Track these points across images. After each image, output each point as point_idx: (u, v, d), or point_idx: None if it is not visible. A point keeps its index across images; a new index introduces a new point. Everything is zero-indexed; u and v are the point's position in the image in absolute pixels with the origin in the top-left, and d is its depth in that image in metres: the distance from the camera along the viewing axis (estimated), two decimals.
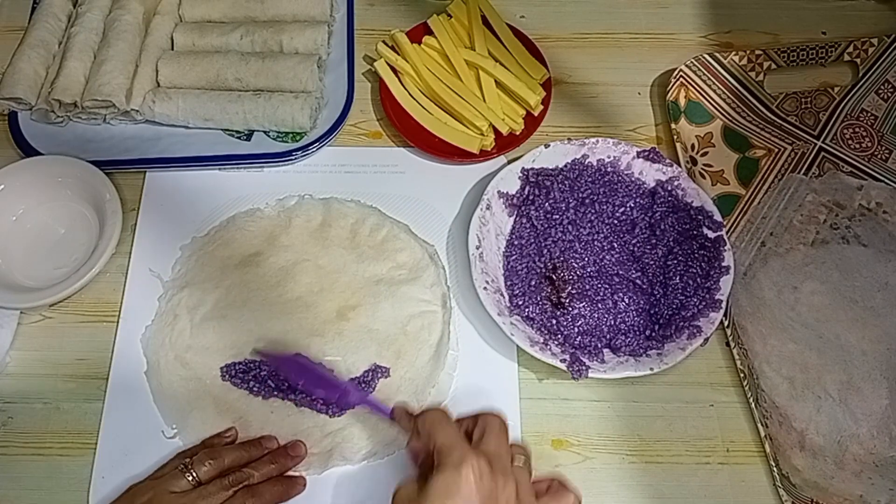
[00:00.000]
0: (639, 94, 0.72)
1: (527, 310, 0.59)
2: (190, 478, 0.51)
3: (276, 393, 0.57)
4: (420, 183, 0.67)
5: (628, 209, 0.64)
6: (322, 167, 0.68)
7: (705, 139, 0.69)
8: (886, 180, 0.67)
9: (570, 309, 0.60)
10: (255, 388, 0.57)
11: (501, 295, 0.60)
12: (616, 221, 0.64)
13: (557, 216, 0.63)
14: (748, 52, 0.71)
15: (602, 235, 0.63)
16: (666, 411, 0.59)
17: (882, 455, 0.56)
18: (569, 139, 0.65)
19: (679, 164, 0.65)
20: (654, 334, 0.59)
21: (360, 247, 0.63)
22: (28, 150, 0.66)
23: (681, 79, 0.70)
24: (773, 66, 0.71)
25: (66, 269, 0.62)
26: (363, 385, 0.57)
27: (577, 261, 0.62)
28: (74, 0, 0.72)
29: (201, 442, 0.56)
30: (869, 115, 0.71)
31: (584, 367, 0.55)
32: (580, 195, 0.64)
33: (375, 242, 0.63)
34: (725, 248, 0.61)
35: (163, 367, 0.58)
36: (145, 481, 0.52)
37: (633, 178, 0.65)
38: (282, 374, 0.57)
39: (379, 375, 0.58)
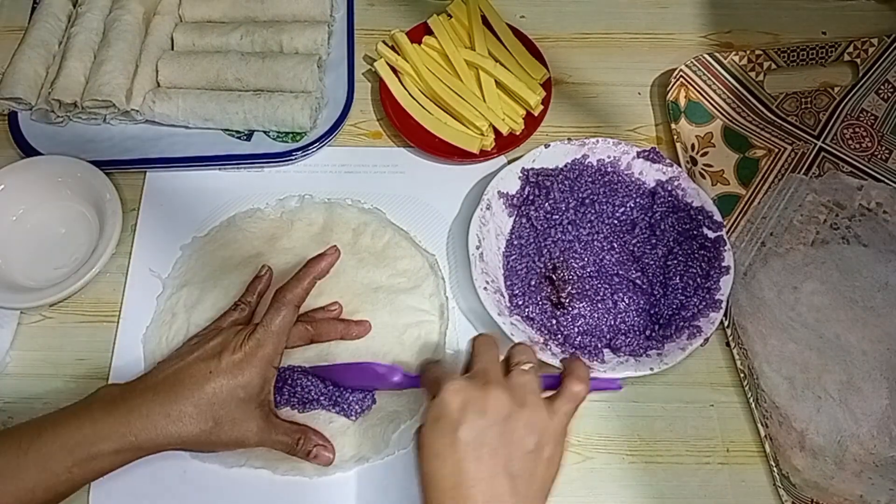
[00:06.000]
0: (639, 94, 0.72)
1: (527, 310, 0.59)
2: (243, 306, 0.56)
3: None
4: (420, 183, 0.67)
5: (628, 209, 0.64)
6: (322, 167, 0.68)
7: (705, 139, 0.69)
8: (886, 180, 0.67)
9: (570, 309, 0.60)
10: None
11: (501, 295, 0.60)
12: (616, 221, 0.64)
13: (557, 216, 0.63)
14: (748, 52, 0.71)
15: (602, 235, 0.63)
16: (666, 411, 0.59)
17: (882, 455, 0.56)
18: (569, 139, 0.65)
19: (679, 164, 0.65)
20: (654, 334, 0.59)
21: (360, 252, 0.62)
22: (28, 150, 0.65)
23: (681, 79, 0.70)
24: (773, 66, 0.71)
25: (66, 269, 0.62)
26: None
27: (577, 261, 0.62)
28: (74, 0, 0.72)
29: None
30: (869, 115, 0.71)
31: None
32: (580, 195, 0.64)
33: (377, 249, 0.63)
34: (725, 248, 0.61)
35: None
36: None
37: (633, 178, 0.65)
38: (341, 380, 0.56)
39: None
